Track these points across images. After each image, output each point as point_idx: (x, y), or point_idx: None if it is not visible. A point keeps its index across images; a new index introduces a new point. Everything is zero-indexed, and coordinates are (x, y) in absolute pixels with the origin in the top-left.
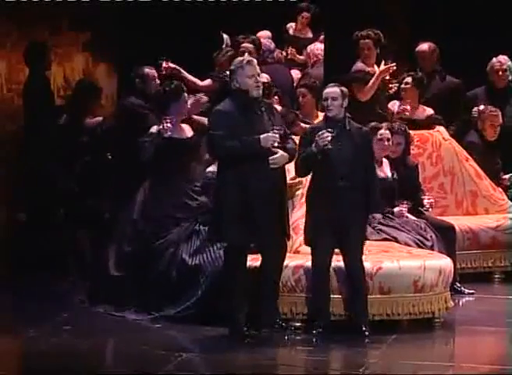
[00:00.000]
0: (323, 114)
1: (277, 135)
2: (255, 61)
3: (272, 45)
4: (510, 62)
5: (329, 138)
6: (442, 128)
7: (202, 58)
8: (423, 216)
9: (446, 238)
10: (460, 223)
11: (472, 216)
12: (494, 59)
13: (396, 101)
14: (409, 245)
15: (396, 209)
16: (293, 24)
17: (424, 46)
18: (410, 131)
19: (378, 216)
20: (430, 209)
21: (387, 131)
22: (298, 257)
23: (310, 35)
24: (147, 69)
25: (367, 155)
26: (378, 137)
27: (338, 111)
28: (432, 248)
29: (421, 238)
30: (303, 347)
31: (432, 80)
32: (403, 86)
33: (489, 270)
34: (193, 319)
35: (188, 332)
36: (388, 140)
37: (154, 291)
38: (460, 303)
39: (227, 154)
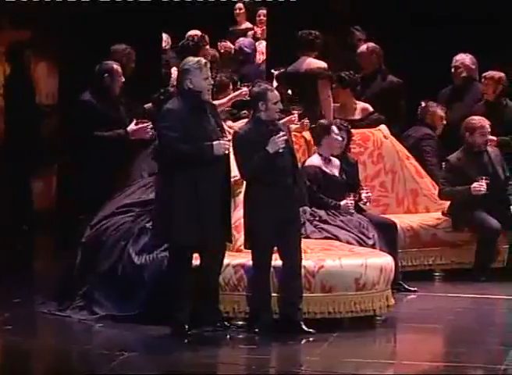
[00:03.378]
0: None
1: (229, 142)
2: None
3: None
4: (466, 59)
5: (285, 139)
6: (383, 126)
7: (147, 58)
8: (365, 213)
9: (387, 236)
10: (401, 221)
11: (413, 214)
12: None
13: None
14: (351, 243)
15: (342, 203)
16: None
17: (363, 47)
18: (354, 130)
19: (322, 212)
20: (368, 203)
21: (335, 128)
22: (240, 256)
23: (247, 27)
24: (115, 65)
25: (293, 150)
26: (333, 135)
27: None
28: (373, 246)
29: (362, 236)
30: (245, 345)
31: (373, 80)
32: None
33: (430, 268)
34: (137, 318)
35: (131, 331)
36: (336, 134)
37: (99, 287)
38: (402, 301)
39: (178, 157)
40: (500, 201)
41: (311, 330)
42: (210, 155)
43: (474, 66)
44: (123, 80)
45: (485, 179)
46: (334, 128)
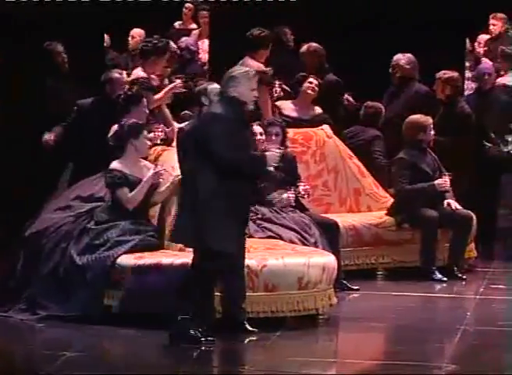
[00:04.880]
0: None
1: (278, 155)
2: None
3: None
4: (401, 59)
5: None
6: (326, 126)
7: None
8: (307, 213)
9: (329, 235)
10: (343, 220)
11: (355, 214)
12: None
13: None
14: (293, 242)
15: (284, 196)
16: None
17: (303, 47)
18: (297, 129)
19: (265, 210)
20: (306, 196)
21: (258, 127)
22: (184, 255)
23: (193, 26)
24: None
25: None
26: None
27: None
28: (315, 245)
29: (305, 235)
30: (187, 345)
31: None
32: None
33: (372, 267)
34: (79, 318)
35: (74, 331)
36: (261, 134)
37: (42, 289)
38: (344, 300)
39: (232, 165)
40: (442, 198)
41: (254, 329)
42: (262, 167)
43: (409, 66)
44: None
45: (449, 175)
46: (254, 127)
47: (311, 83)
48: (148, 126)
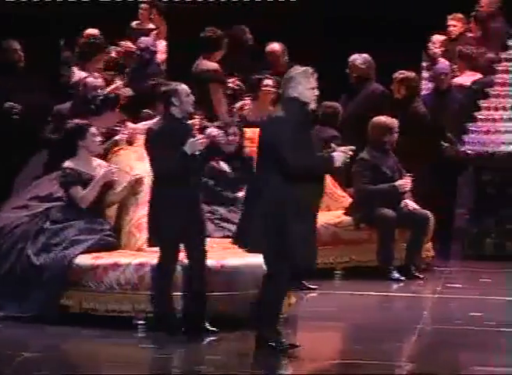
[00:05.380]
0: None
1: (345, 154)
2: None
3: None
4: (357, 60)
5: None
6: None
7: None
8: None
9: None
10: None
11: None
12: None
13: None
14: None
15: (239, 194)
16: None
17: (275, 46)
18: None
19: (222, 210)
20: None
21: (215, 129)
22: (142, 255)
23: (151, 26)
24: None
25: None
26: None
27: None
28: None
29: None
30: (147, 345)
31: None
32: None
33: (331, 266)
34: (36, 318)
35: (31, 331)
36: (217, 135)
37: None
38: (303, 299)
39: (302, 168)
40: (400, 198)
41: (214, 328)
42: (331, 167)
43: (365, 66)
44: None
45: (410, 176)
46: (209, 129)
47: (266, 85)
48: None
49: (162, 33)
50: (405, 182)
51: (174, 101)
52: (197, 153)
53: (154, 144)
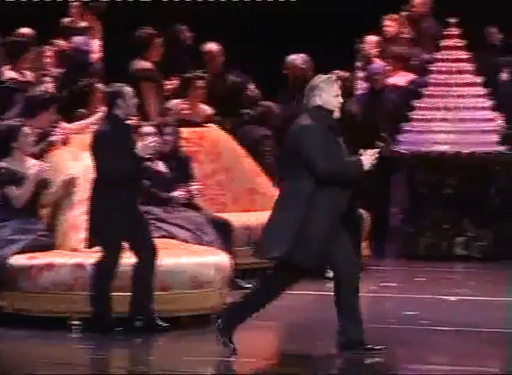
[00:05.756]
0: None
1: (372, 157)
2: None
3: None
4: (296, 60)
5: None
6: (218, 125)
7: None
8: (201, 212)
9: (223, 234)
10: (237, 219)
11: (249, 213)
12: None
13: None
14: (188, 242)
15: (175, 194)
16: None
17: (212, 46)
18: (192, 129)
19: (158, 210)
20: (198, 196)
21: (150, 128)
22: (77, 255)
23: (83, 25)
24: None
25: None
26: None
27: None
28: (210, 244)
29: (199, 234)
30: (84, 345)
31: (219, 80)
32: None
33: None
34: None
35: None
36: (153, 135)
37: None
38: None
39: (333, 174)
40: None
41: (166, 324)
42: (360, 172)
43: (304, 66)
44: None
45: None
46: (145, 128)
47: (198, 83)
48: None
49: (96, 32)
50: None
51: (119, 102)
52: (147, 155)
53: (101, 145)
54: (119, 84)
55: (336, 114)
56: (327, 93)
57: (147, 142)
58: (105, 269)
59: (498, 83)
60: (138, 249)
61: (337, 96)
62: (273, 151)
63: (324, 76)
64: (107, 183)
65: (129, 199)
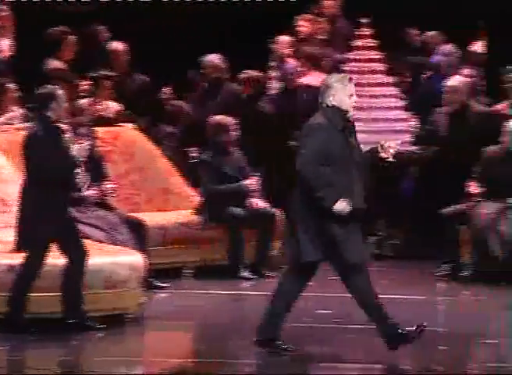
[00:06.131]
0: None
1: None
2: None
3: None
4: (214, 60)
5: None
6: (130, 125)
7: None
8: (115, 212)
9: (137, 234)
10: (151, 219)
11: (164, 212)
12: None
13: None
14: (101, 242)
15: (86, 193)
16: None
17: (117, 45)
18: (102, 128)
19: (71, 210)
20: (112, 195)
21: (86, 128)
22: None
23: None
24: None
25: None
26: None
27: None
28: (124, 244)
29: (114, 234)
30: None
31: (126, 78)
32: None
33: (181, 265)
34: None
35: None
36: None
37: None
38: (154, 298)
39: (307, 180)
40: (248, 197)
41: (101, 325)
42: (328, 206)
43: (223, 66)
44: None
45: (257, 175)
46: (80, 130)
47: (106, 83)
48: None
49: (7, 32)
50: (251, 182)
51: (52, 104)
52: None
53: (34, 146)
54: (51, 86)
55: (350, 114)
56: (341, 93)
57: (83, 144)
58: (29, 269)
59: (418, 83)
60: (68, 250)
61: (351, 96)
62: (176, 150)
63: (338, 76)
64: (39, 185)
65: (61, 200)
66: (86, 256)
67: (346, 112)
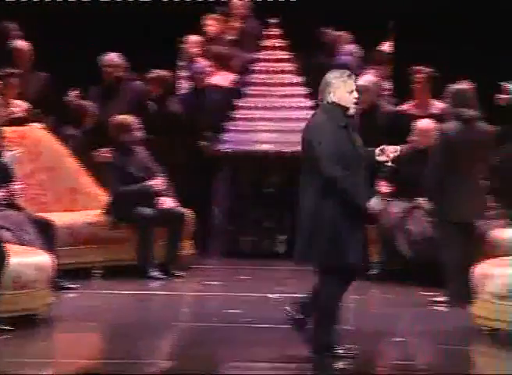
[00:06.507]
0: None
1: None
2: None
3: None
4: (115, 59)
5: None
6: (37, 124)
7: None
8: (22, 212)
9: (45, 234)
10: (60, 219)
11: (72, 212)
12: None
13: None
14: (8, 242)
15: None
16: None
17: (21, 44)
18: (13, 128)
19: None
20: (20, 195)
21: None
22: None
23: None
24: None
25: None
26: None
27: None
28: (31, 244)
29: (21, 234)
30: None
31: (30, 78)
32: None
33: (90, 266)
34: None
35: None
36: None
37: None
38: (62, 299)
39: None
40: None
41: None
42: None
43: (125, 65)
44: None
45: (163, 175)
46: None
47: (11, 81)
48: None
49: None
50: (156, 182)
51: None
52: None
53: None
54: None
55: (352, 110)
56: (341, 89)
57: (14, 152)
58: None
59: None
60: None
61: (351, 92)
62: (79, 151)
63: (337, 72)
64: None
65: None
66: (7, 258)
67: (347, 108)
